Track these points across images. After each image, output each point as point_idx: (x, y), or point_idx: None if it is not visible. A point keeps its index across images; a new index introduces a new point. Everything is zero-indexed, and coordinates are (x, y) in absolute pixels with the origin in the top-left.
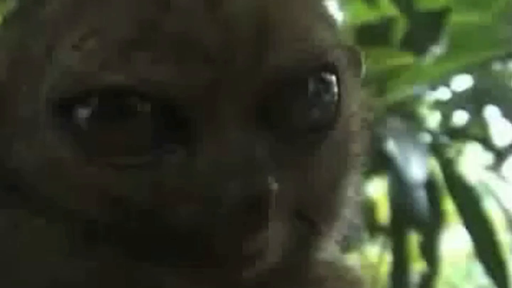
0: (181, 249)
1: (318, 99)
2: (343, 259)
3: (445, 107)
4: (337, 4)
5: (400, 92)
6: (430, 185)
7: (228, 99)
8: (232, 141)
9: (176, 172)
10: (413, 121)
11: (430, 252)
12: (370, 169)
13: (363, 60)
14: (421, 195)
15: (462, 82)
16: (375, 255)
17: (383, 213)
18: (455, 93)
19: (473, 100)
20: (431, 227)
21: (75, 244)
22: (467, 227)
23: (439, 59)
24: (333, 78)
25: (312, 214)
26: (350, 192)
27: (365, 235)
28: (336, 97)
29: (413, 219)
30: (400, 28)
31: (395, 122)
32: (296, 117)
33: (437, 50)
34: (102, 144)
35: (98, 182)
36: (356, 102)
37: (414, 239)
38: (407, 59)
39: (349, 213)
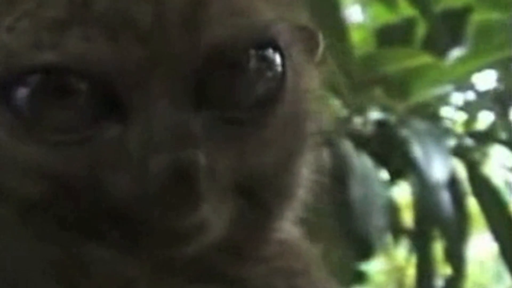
0: (118, 225)
1: (259, 76)
2: (300, 239)
3: (470, 109)
4: (359, 6)
5: (422, 94)
6: (455, 187)
7: (161, 76)
8: (162, 117)
9: (111, 148)
10: (437, 123)
11: (455, 255)
12: (394, 172)
13: (320, 38)
14: (445, 197)
15: (484, 82)
16: (402, 258)
17: (409, 216)
18: (480, 93)
19: (498, 101)
20: (456, 230)
21: (15, 224)
22: (492, 229)
23: (461, 60)
24: (276, 54)
25: (260, 192)
26: (304, 171)
27: (391, 238)
28: (279, 74)
29: (438, 221)
30: (421, 29)
31: (418, 124)
32: (236, 94)
33: (458, 50)
34: (40, 123)
35: (36, 160)
36: (309, 81)
37: (440, 242)
38: (428, 59)
39: (304, 193)
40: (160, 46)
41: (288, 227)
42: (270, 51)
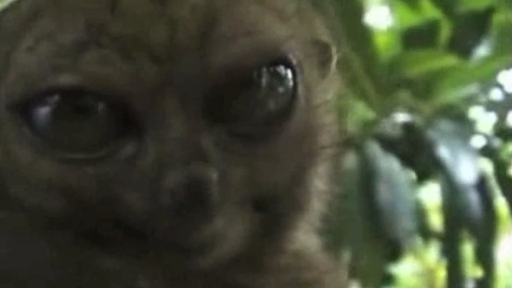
0: (132, 238)
1: (271, 92)
2: (314, 250)
3: (499, 109)
4: (384, 9)
5: (448, 95)
6: (483, 188)
7: (174, 96)
8: (175, 134)
9: (125, 165)
10: (464, 124)
11: (485, 256)
12: (421, 174)
13: (333, 51)
14: (474, 198)
15: (510, 82)
16: (433, 261)
17: (437, 219)
18: (508, 94)
19: None
20: (486, 231)
21: (32, 233)
22: None
23: (485, 60)
24: (288, 71)
25: (273, 205)
26: (318, 184)
27: (420, 240)
28: (291, 90)
29: (467, 223)
30: (445, 31)
31: (445, 125)
32: (248, 110)
33: (482, 50)
34: (59, 141)
35: (54, 176)
36: (323, 95)
37: (469, 244)
38: (453, 60)
39: (319, 205)
40: (174, 67)
41: (303, 238)
42: (281, 68)
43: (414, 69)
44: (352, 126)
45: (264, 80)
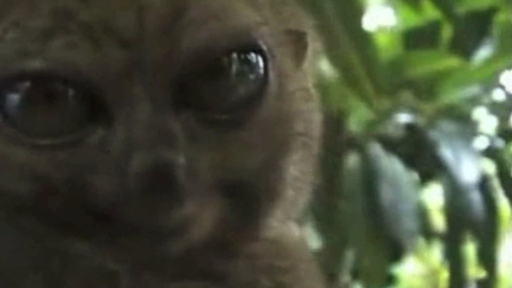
0: (102, 223)
1: (242, 79)
2: (289, 237)
3: (501, 109)
4: (385, 9)
5: (450, 95)
6: (486, 188)
7: (143, 80)
8: (142, 119)
9: (95, 150)
10: (466, 124)
11: (488, 257)
12: (424, 175)
13: (308, 40)
14: (476, 199)
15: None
16: (436, 262)
17: (440, 220)
18: (510, 95)
19: None
20: (488, 231)
21: (3, 220)
22: None
23: (488, 60)
24: (258, 57)
25: (246, 191)
26: (293, 171)
27: (423, 241)
28: (262, 77)
29: (469, 224)
30: (447, 31)
31: (447, 126)
32: (218, 96)
33: (484, 51)
34: (29, 127)
35: (24, 162)
36: (298, 82)
37: (472, 245)
38: (455, 61)
39: (294, 193)
40: (142, 52)
41: (278, 226)
42: (252, 54)
43: (416, 70)
44: (354, 127)
45: (234, 67)
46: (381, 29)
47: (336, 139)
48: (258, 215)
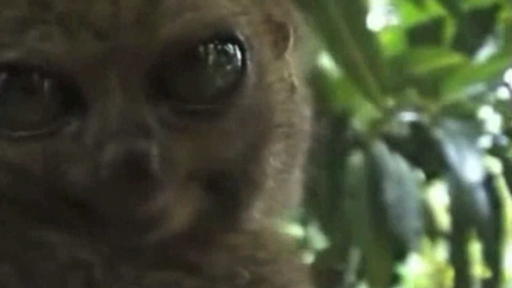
0: (77, 212)
1: (219, 69)
2: (270, 229)
3: (506, 108)
4: (389, 7)
5: (454, 93)
6: (491, 187)
7: (117, 71)
8: (116, 109)
9: (70, 141)
10: (471, 123)
11: (493, 256)
12: (429, 173)
13: (290, 31)
14: (481, 198)
15: None
16: (442, 261)
17: (445, 219)
18: None
19: None
20: (493, 230)
21: None
22: None
23: (491, 58)
24: (236, 47)
25: (225, 182)
26: (274, 163)
27: (428, 240)
28: (239, 67)
29: (474, 223)
30: (450, 28)
31: (452, 124)
32: (194, 87)
33: (488, 48)
34: (4, 119)
35: (0, 153)
36: (277, 73)
37: (477, 244)
38: (459, 58)
39: (275, 184)
40: (116, 42)
41: (259, 217)
42: (229, 45)
43: (420, 68)
44: (358, 125)
45: (211, 57)
46: (385, 27)
47: (340, 138)
48: (237, 206)
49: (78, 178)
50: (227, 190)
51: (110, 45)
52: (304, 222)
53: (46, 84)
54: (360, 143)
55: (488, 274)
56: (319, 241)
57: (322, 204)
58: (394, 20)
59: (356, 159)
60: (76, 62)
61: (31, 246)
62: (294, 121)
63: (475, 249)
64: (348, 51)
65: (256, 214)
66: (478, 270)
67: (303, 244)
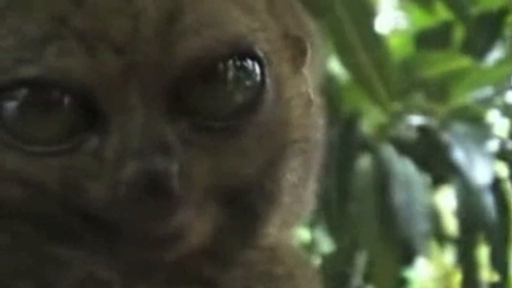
0: (95, 229)
1: (238, 86)
2: (286, 244)
3: None
4: (397, 11)
5: (462, 97)
6: (498, 191)
7: (137, 87)
8: (136, 126)
9: (90, 157)
10: (479, 126)
11: (500, 260)
12: (436, 177)
13: (307, 45)
14: (489, 202)
15: None
16: (450, 265)
17: (453, 223)
18: None
19: None
20: (501, 234)
21: None
22: None
23: (500, 62)
24: (255, 64)
25: (243, 199)
26: (291, 178)
27: (435, 244)
28: (258, 83)
29: (482, 226)
30: (458, 32)
31: (460, 128)
32: (214, 103)
33: (496, 52)
34: (24, 135)
35: (17, 168)
36: (295, 88)
37: (484, 248)
38: (467, 62)
39: (292, 200)
40: (136, 58)
41: (275, 233)
42: (248, 61)
43: (428, 71)
44: (366, 129)
45: (230, 73)
46: (393, 31)
47: (348, 141)
48: (255, 222)
49: (96, 195)
50: (245, 206)
51: (130, 60)
52: (311, 225)
53: (66, 100)
54: (368, 147)
55: (495, 278)
56: (326, 244)
57: (329, 207)
58: (403, 24)
59: (364, 162)
60: (96, 78)
61: (48, 262)
62: (310, 136)
63: (483, 253)
64: (356, 55)
65: (272, 229)
66: (486, 274)
67: (310, 247)
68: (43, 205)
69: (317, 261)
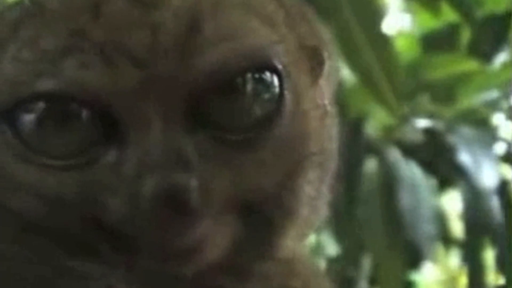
0: (112, 242)
1: (256, 98)
2: (302, 257)
3: None
4: (403, 13)
5: (469, 99)
6: (505, 194)
7: (156, 100)
8: (155, 140)
9: (107, 171)
10: (485, 129)
11: (506, 263)
12: (443, 180)
13: (325, 55)
14: (495, 205)
15: None
16: (455, 268)
17: (459, 226)
18: None
19: None
20: (507, 237)
21: (9, 235)
22: None
23: (506, 64)
24: (273, 76)
25: (261, 212)
26: (308, 190)
27: (441, 247)
28: (277, 96)
29: (488, 230)
30: (465, 34)
31: (466, 131)
32: (232, 116)
33: (503, 55)
34: (42, 148)
35: (35, 181)
36: (313, 100)
37: (491, 251)
38: (474, 65)
39: (309, 211)
40: (155, 72)
41: (291, 245)
42: (267, 73)
43: (434, 73)
44: (372, 131)
45: (248, 86)
46: (399, 33)
47: (354, 144)
48: (272, 234)
49: (115, 208)
50: (262, 218)
51: (148, 73)
52: (316, 228)
53: (84, 113)
54: (374, 149)
55: (501, 281)
56: (332, 247)
57: (335, 210)
58: (409, 27)
59: (369, 165)
60: (115, 91)
61: (67, 275)
62: (326, 147)
63: (489, 255)
64: (363, 57)
65: (289, 241)
66: (492, 276)
67: (315, 250)
68: (62, 219)
69: (322, 264)
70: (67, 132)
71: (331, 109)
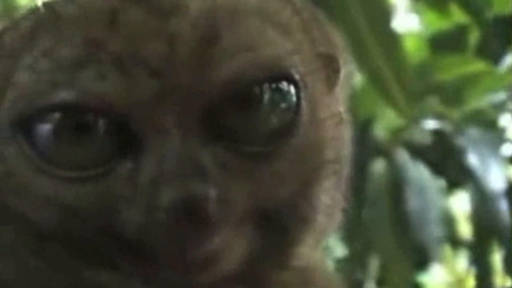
0: (129, 253)
1: (274, 108)
2: (318, 265)
3: None
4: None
5: (477, 101)
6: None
7: (173, 111)
8: (173, 151)
9: (124, 182)
10: (493, 131)
11: None
12: (451, 182)
13: (341, 63)
14: (503, 207)
15: None
16: (462, 270)
17: (467, 228)
18: None
19: None
20: None
21: (26, 246)
22: None
23: None
24: (291, 86)
25: (278, 221)
26: (324, 199)
27: (449, 249)
28: (294, 106)
29: (496, 231)
30: (474, 36)
31: (474, 132)
32: (250, 127)
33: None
34: (57, 159)
35: (50, 192)
36: (329, 109)
37: (498, 253)
38: (482, 66)
39: (325, 220)
40: (172, 82)
41: (307, 254)
42: (284, 84)
43: (443, 75)
44: (380, 133)
45: (266, 96)
46: (408, 34)
47: (362, 145)
48: (289, 243)
49: (131, 219)
50: (279, 228)
51: (165, 84)
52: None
53: (100, 124)
54: (382, 151)
55: (509, 283)
56: (339, 249)
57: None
58: (417, 27)
59: (377, 166)
60: (131, 101)
61: (83, 286)
62: (341, 155)
63: (497, 258)
64: (371, 57)
65: (305, 250)
66: (499, 279)
67: (323, 252)
68: (78, 229)
69: (330, 266)
70: (83, 143)
71: (346, 116)
